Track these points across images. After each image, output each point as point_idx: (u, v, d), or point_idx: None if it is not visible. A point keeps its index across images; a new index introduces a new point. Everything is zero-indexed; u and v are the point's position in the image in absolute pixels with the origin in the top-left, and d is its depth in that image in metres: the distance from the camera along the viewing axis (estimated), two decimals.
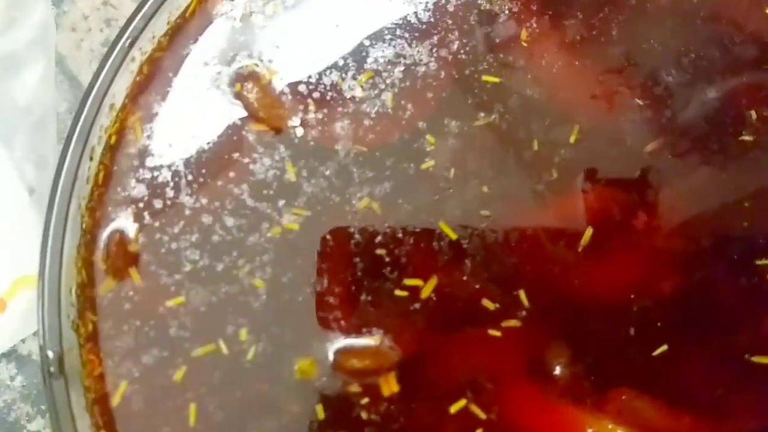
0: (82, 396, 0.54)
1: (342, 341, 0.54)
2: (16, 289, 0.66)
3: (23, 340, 0.66)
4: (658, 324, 0.55)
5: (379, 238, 0.55)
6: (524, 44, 0.58)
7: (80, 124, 0.55)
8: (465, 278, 0.55)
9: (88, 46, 0.72)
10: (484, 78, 0.58)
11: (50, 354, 0.52)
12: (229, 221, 0.56)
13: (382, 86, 0.58)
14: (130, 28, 0.56)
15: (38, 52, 0.69)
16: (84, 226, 0.55)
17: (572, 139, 0.56)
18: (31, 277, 0.63)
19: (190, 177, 0.56)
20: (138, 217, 0.56)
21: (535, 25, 0.58)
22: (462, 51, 0.58)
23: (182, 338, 0.55)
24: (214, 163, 0.57)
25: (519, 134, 0.57)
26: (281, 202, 0.56)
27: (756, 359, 0.54)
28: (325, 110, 0.57)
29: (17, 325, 0.68)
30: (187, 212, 0.56)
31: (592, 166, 0.56)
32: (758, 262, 0.55)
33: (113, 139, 0.57)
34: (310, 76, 0.58)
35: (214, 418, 0.53)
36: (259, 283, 0.54)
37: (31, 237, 0.60)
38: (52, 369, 0.52)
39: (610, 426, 0.53)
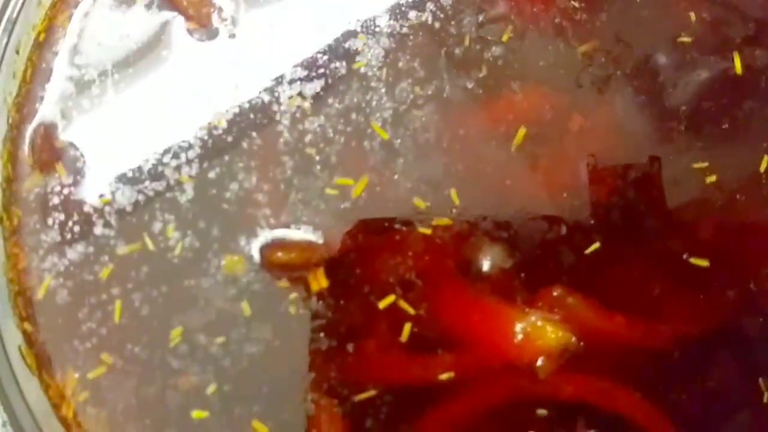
0: (5, 287, 0.52)
1: (269, 234, 0.53)
2: None
3: None
4: (591, 222, 0.54)
5: (309, 137, 0.55)
6: None
7: (5, 17, 0.54)
8: (396, 177, 0.54)
9: None
10: None
11: None
12: (156, 118, 0.54)
13: None
14: None
15: None
16: (10, 120, 0.55)
17: (505, 38, 0.55)
18: None
19: (116, 76, 0.55)
20: (65, 114, 0.55)
21: None
22: None
23: (108, 236, 0.54)
24: (142, 62, 0.56)
25: (451, 31, 0.55)
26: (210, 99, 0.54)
27: (694, 261, 0.52)
28: (255, 8, 0.56)
29: None
30: (113, 111, 0.54)
31: (524, 65, 0.55)
32: (694, 165, 0.54)
33: (41, 37, 0.56)
34: None
35: (139, 313, 0.53)
36: (185, 179, 0.54)
37: None
38: None
39: (539, 322, 0.52)
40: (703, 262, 0.52)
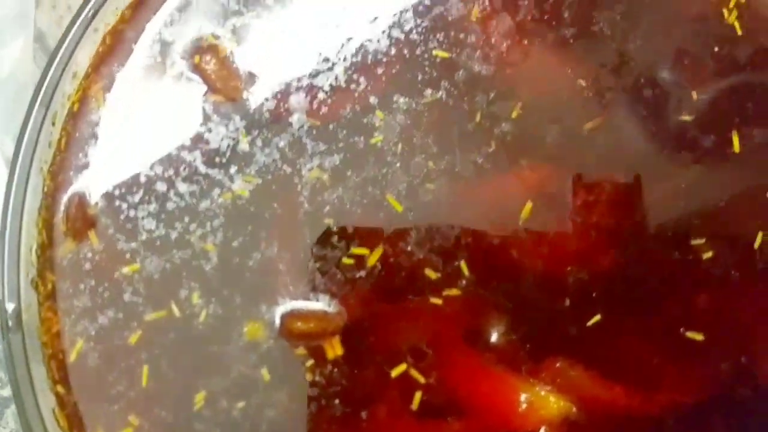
0: (39, 350, 0.56)
1: (289, 305, 0.56)
2: None
3: None
4: (593, 295, 0.57)
5: (327, 208, 0.58)
6: (474, 21, 0.59)
7: (43, 89, 0.57)
8: (409, 248, 0.57)
9: (67, 23, 0.71)
10: (435, 52, 0.59)
11: (9, 308, 0.55)
12: (183, 187, 0.58)
13: (335, 60, 0.60)
14: (93, 0, 0.57)
15: (18, 28, 0.72)
16: (45, 189, 0.58)
17: (514, 114, 0.59)
18: None
19: (147, 145, 0.58)
20: (98, 182, 0.58)
21: (486, 3, 0.60)
22: (414, 31, 0.59)
23: (136, 303, 0.57)
24: (171, 131, 0.59)
25: (463, 107, 0.59)
26: (233, 169, 0.59)
27: (690, 334, 0.56)
28: (281, 83, 0.59)
29: None
30: (143, 179, 0.58)
31: (533, 141, 0.58)
32: (693, 242, 0.57)
33: (76, 107, 0.59)
34: (265, 51, 0.61)
35: (165, 377, 0.56)
36: (210, 248, 0.57)
37: None
38: (10, 323, 0.55)
39: (542, 392, 0.56)
40: (698, 336, 0.56)
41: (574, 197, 0.58)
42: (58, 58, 0.57)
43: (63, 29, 0.66)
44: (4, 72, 0.70)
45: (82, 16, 0.58)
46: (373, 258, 0.57)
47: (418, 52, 0.60)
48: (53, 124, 0.58)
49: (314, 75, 0.60)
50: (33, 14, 0.71)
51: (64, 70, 0.58)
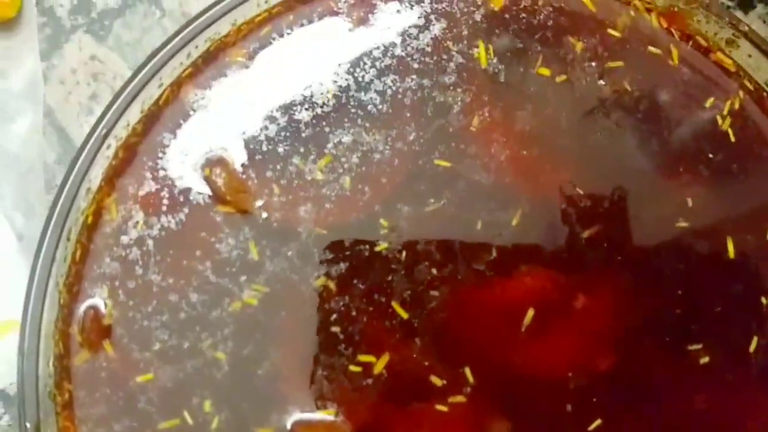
0: None
1: (298, 414, 0.59)
2: (3, 332, 0.70)
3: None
4: (594, 400, 0.59)
5: (334, 316, 0.60)
6: (474, 131, 0.62)
7: (57, 210, 0.59)
8: (415, 355, 0.60)
9: (75, 99, 0.76)
10: (436, 162, 0.62)
11: (28, 425, 0.57)
12: (194, 297, 0.61)
13: (341, 170, 0.62)
14: (105, 120, 0.60)
15: (27, 104, 0.74)
16: (61, 301, 0.60)
17: (514, 222, 0.61)
18: (17, 322, 0.67)
19: (158, 256, 0.61)
20: (112, 293, 0.61)
21: (486, 114, 0.62)
22: (416, 143, 0.62)
23: (150, 412, 0.59)
24: (181, 243, 0.61)
25: (464, 215, 0.61)
26: (243, 278, 0.61)
27: None
28: (289, 194, 0.62)
29: (4, 369, 0.72)
30: (155, 290, 0.60)
31: (533, 248, 0.60)
32: (689, 348, 0.60)
33: (90, 219, 0.61)
34: (274, 162, 0.62)
35: None
36: (221, 356, 0.59)
37: (18, 282, 0.65)
38: None
39: None
40: None
41: (576, 302, 0.59)
42: (71, 180, 0.60)
43: (71, 104, 0.68)
44: (14, 148, 0.74)
45: (95, 135, 0.60)
46: (380, 365, 0.59)
47: (420, 162, 0.62)
48: (68, 239, 0.60)
49: (321, 185, 0.61)
50: (42, 90, 0.74)
51: (78, 188, 0.59)
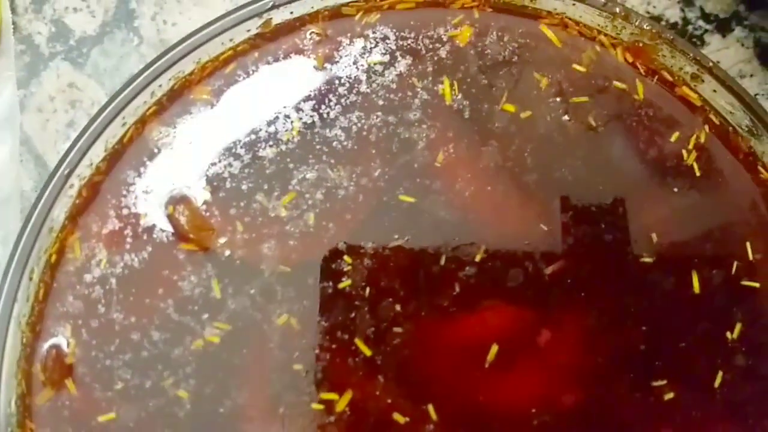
0: None
1: None
2: None
3: None
4: None
5: (296, 354, 0.60)
6: (438, 166, 0.61)
7: (19, 250, 0.60)
8: (378, 393, 0.59)
9: (53, 127, 0.76)
10: (401, 197, 0.61)
11: None
12: (156, 335, 0.61)
13: (305, 207, 0.62)
14: (67, 159, 0.60)
15: (5, 132, 0.74)
16: (24, 340, 0.60)
17: (478, 258, 0.60)
18: None
19: (121, 295, 0.61)
20: (75, 332, 0.61)
21: (451, 150, 0.62)
22: (381, 179, 0.62)
23: None
24: (143, 281, 0.61)
25: (428, 251, 0.61)
26: (205, 316, 0.61)
27: None
28: (252, 231, 0.62)
29: None
30: (117, 328, 0.60)
31: (496, 284, 0.60)
32: (654, 384, 0.59)
33: (53, 258, 0.61)
34: (238, 199, 0.62)
35: None
36: (183, 395, 0.59)
37: None
38: None
39: None
40: None
41: (539, 338, 0.59)
42: (33, 219, 0.60)
43: (48, 132, 0.69)
44: None
45: (57, 174, 0.60)
46: (342, 403, 0.59)
47: (385, 198, 0.62)
48: (30, 279, 0.60)
49: (285, 222, 0.61)
50: (19, 118, 0.74)
51: (41, 228, 0.60)
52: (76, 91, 0.76)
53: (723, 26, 0.72)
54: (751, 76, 0.70)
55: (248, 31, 0.64)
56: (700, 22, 0.72)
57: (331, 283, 0.60)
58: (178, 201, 0.62)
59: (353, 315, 0.60)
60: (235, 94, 0.64)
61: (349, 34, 0.64)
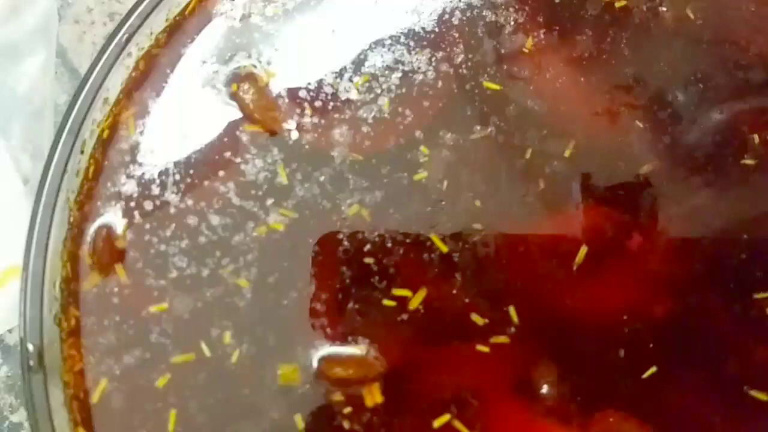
0: (60, 391, 0.53)
1: (327, 349, 0.53)
2: (6, 279, 0.65)
3: (10, 330, 0.64)
4: (649, 346, 0.53)
5: (368, 247, 0.55)
6: (527, 53, 0.56)
7: (72, 116, 0.54)
8: (454, 292, 0.54)
9: (90, 39, 0.72)
10: (485, 84, 0.56)
11: (30, 347, 0.52)
12: (215, 220, 0.56)
13: (379, 91, 0.58)
14: (127, 24, 0.56)
15: (40, 43, 0.69)
16: (72, 219, 0.55)
17: (567, 153, 0.55)
18: (20, 268, 0.62)
19: (177, 176, 0.56)
20: (127, 214, 0.55)
21: (542, 37, 0.57)
22: (464, 65, 0.56)
23: (164, 344, 0.53)
24: (204, 162, 0.56)
25: (513, 142, 0.55)
26: (269, 202, 0.56)
27: (754, 393, 0.52)
28: (322, 115, 0.56)
29: (4, 315, 0.67)
30: (173, 211, 0.56)
31: (585, 181, 0.55)
32: (756, 296, 0.54)
33: (105, 134, 0.56)
34: (307, 80, 0.58)
35: (193, 421, 0.53)
36: (243, 283, 0.54)
37: (23, 227, 0.60)
38: (31, 362, 0.51)
39: None
40: (763, 396, 0.51)
41: (631, 242, 0.54)
42: (89, 84, 0.54)
43: (85, 44, 0.63)
44: (23, 88, 0.68)
45: (116, 39, 0.55)
46: (416, 301, 0.53)
47: (467, 87, 0.56)
48: (81, 152, 0.54)
49: (358, 107, 0.56)
50: (56, 29, 0.69)
51: (95, 96, 0.55)
52: (115, 3, 0.72)
53: None
54: None
55: None
56: None
57: (405, 174, 0.55)
58: (243, 79, 0.57)
59: (429, 209, 0.54)
60: None
61: None
